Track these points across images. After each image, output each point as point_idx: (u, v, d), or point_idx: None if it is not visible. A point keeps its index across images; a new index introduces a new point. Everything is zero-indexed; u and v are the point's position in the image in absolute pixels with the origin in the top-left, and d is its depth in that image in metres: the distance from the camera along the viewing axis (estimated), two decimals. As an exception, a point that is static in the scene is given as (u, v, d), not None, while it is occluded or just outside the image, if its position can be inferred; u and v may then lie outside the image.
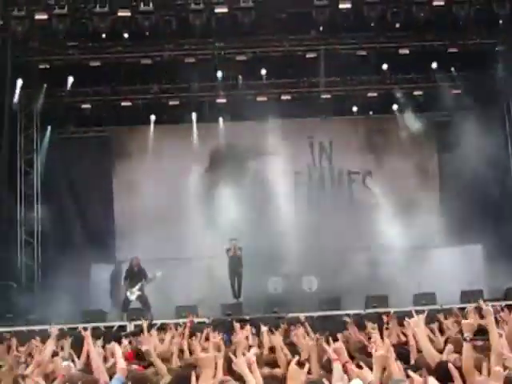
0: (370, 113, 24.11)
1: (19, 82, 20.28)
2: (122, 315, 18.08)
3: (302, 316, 12.19)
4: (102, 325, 16.12)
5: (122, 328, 16.11)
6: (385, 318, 10.56)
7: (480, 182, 21.26)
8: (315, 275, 20.70)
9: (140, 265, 19.21)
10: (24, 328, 15.61)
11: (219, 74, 21.78)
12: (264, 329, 8.71)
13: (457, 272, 19.51)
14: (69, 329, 14.08)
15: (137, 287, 18.59)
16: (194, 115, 23.13)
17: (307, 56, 21.50)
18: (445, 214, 21.72)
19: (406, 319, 7.29)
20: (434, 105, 22.95)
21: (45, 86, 21.37)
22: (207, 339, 8.99)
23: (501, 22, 19.13)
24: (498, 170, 21.86)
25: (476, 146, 19.85)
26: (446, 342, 6.84)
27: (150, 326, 12.01)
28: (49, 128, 22.74)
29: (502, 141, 22.80)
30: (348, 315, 13.74)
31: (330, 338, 6.50)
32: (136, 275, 19.02)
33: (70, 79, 21.27)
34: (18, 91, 20.35)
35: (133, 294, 18.45)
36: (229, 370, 5.30)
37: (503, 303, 14.97)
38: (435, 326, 9.16)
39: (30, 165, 22.16)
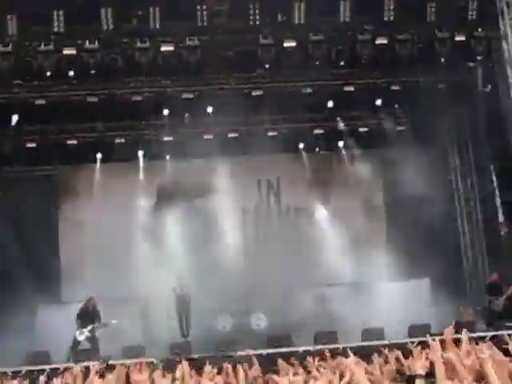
0: (317, 150, 24.23)
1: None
2: (68, 356, 17.57)
3: (250, 352, 12.10)
4: (47, 367, 15.63)
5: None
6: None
7: (425, 217, 21.52)
8: (264, 312, 20.57)
9: (95, 306, 18.68)
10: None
11: (165, 111, 21.73)
12: (208, 368, 8.52)
13: (405, 306, 19.54)
14: (12, 372, 13.66)
15: (88, 328, 18.15)
16: (140, 153, 23.00)
17: (253, 94, 21.55)
18: (392, 249, 21.83)
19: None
20: (379, 141, 23.16)
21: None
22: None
23: (443, 60, 19.46)
24: (442, 205, 22.15)
25: (420, 181, 20.06)
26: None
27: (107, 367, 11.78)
28: (-5, 166, 22.33)
29: (445, 176, 23.16)
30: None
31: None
32: (89, 316, 18.54)
33: (15, 117, 20.97)
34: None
35: (82, 335, 18.03)
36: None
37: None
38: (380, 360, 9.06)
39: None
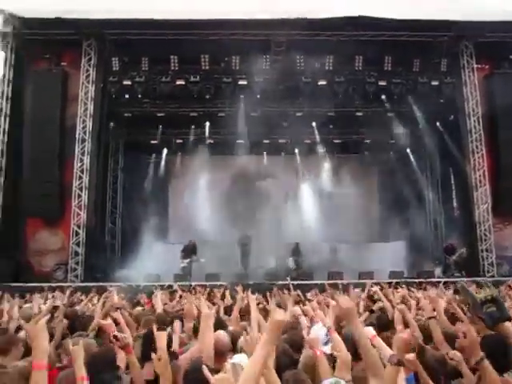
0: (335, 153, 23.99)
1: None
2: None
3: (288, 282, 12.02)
4: (156, 284, 15.67)
5: (171, 287, 15.62)
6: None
7: (404, 200, 21.32)
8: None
9: (195, 245, 18.86)
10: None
11: (240, 124, 21.66)
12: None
13: (388, 259, 19.19)
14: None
15: (186, 260, 18.29)
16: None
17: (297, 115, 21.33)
18: (380, 223, 21.63)
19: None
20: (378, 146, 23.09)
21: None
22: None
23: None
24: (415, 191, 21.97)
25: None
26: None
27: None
28: None
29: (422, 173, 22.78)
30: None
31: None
32: (190, 251, 18.70)
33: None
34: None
35: (183, 264, 18.17)
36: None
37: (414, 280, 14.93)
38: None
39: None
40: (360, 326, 2.86)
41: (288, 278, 14.56)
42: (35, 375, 2.70)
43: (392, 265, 18.15)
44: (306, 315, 5.53)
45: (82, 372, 3.08)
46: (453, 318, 5.24)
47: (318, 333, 4.51)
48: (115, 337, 3.73)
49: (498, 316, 3.79)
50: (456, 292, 15.89)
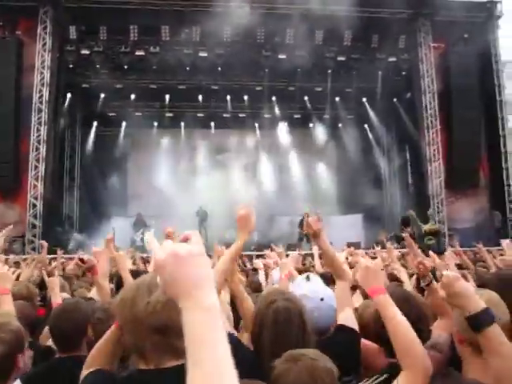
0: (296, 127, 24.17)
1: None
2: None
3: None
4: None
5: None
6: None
7: (362, 176, 21.76)
8: (256, 229, 20.41)
9: (143, 218, 19.45)
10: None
11: (199, 97, 21.48)
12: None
13: (346, 231, 19.58)
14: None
15: (139, 232, 18.54)
16: (182, 124, 22.87)
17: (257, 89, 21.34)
18: (338, 195, 22.04)
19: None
20: (337, 123, 23.33)
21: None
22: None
23: (380, 73, 19.42)
24: (374, 168, 22.41)
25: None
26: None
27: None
28: None
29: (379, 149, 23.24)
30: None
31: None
32: (140, 224, 19.06)
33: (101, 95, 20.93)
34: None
35: (136, 236, 18.43)
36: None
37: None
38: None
39: None
40: None
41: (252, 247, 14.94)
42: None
43: (350, 237, 18.62)
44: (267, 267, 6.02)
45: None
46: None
47: (275, 275, 4.66)
48: (81, 260, 3.87)
49: (435, 249, 4.12)
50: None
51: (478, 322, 1.99)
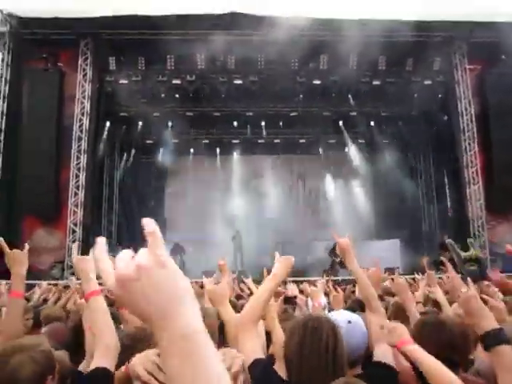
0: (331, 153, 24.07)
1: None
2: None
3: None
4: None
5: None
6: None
7: (400, 199, 21.42)
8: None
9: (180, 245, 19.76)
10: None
11: (235, 123, 21.71)
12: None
13: (384, 256, 19.24)
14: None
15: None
16: (217, 151, 23.07)
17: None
18: (376, 221, 21.74)
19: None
20: (373, 147, 23.07)
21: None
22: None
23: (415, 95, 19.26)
24: (411, 191, 22.09)
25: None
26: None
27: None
28: None
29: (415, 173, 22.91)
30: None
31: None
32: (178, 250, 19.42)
33: (140, 123, 21.37)
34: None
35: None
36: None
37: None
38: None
39: None
40: None
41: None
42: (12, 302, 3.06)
43: (388, 262, 18.28)
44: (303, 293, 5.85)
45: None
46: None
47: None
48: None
49: (478, 275, 4.04)
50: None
51: (489, 339, 2.11)
